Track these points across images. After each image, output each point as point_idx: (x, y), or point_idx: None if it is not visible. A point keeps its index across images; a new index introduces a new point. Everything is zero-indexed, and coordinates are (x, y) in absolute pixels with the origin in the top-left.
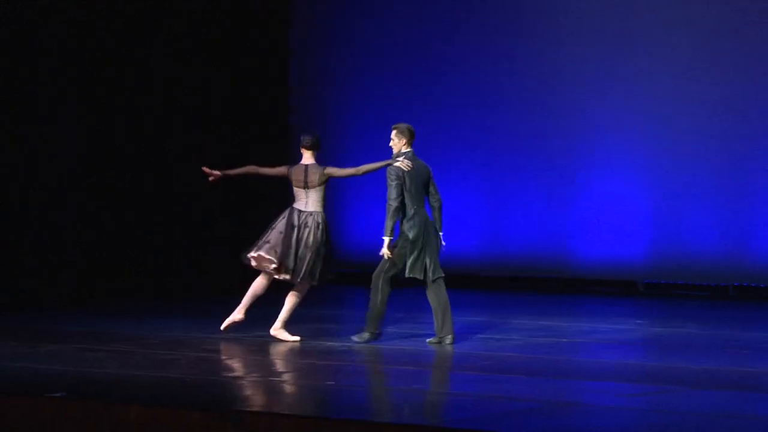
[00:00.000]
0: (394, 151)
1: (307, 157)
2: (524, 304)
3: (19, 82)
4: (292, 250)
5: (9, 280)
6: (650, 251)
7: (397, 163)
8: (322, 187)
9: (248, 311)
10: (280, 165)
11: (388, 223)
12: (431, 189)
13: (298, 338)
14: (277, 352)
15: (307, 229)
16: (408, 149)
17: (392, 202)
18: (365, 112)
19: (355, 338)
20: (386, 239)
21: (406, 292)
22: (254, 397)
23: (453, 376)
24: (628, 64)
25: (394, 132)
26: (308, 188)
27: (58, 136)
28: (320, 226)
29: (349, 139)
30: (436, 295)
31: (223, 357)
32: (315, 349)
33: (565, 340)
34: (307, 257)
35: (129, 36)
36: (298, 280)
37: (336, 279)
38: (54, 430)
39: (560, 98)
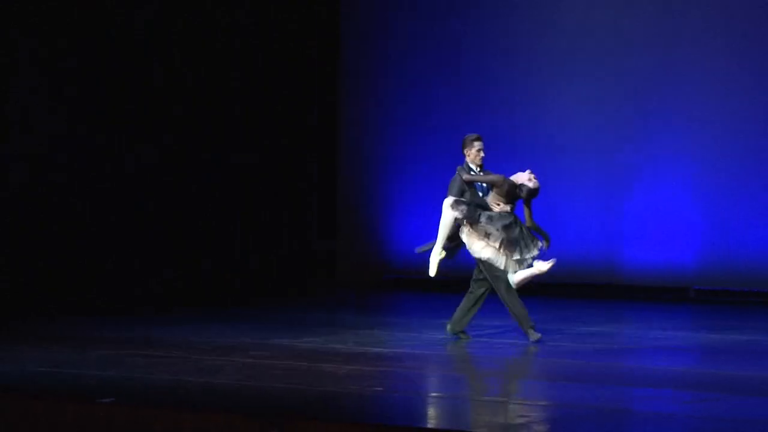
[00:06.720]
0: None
1: None
2: (574, 310)
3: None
4: None
5: (58, 286)
6: (701, 257)
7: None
8: None
9: None
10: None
11: None
12: None
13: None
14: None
15: None
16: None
17: None
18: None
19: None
20: None
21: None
22: (303, 404)
23: (503, 383)
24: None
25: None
26: None
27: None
28: None
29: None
30: None
31: (272, 362)
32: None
33: (616, 346)
34: None
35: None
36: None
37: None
38: None
39: (617, 104)
